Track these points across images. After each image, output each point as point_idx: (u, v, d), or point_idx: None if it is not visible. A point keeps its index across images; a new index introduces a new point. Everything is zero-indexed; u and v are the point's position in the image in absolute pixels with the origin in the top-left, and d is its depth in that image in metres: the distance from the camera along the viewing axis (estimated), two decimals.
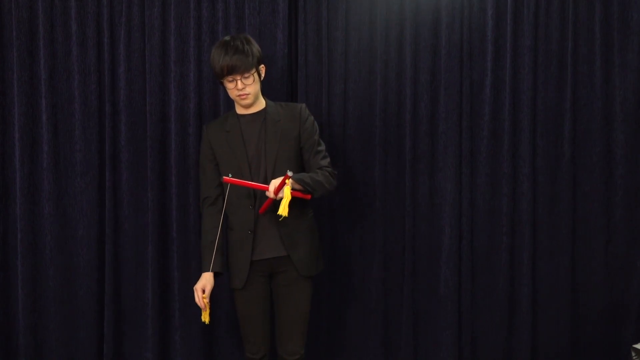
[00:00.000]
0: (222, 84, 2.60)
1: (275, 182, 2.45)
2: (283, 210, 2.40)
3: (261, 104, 2.65)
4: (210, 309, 2.59)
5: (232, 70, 2.50)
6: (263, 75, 2.63)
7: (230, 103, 2.96)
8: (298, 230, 2.62)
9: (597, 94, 3.01)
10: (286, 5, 2.95)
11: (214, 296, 3.05)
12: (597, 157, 3.03)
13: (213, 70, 2.58)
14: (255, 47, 2.56)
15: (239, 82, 2.53)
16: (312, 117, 2.68)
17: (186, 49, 2.97)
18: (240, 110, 2.65)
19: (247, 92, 2.55)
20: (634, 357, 2.62)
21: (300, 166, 2.64)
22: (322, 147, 2.67)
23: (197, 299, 2.57)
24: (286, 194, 2.40)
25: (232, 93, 2.58)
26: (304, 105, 2.69)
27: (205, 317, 2.58)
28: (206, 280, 2.60)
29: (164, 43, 2.98)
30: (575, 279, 3.08)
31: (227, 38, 2.58)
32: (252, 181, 2.55)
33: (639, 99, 3.01)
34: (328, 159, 2.66)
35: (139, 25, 2.97)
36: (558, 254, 3.06)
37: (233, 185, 2.56)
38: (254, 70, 2.54)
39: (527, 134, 3.00)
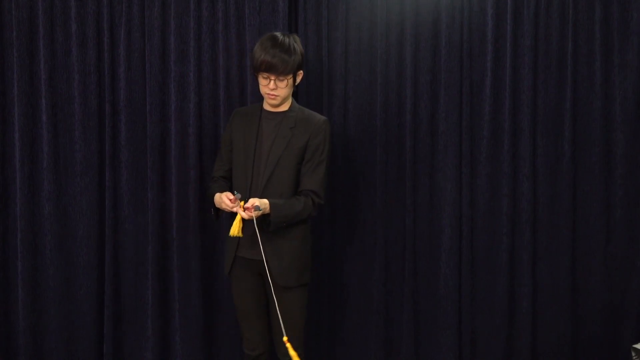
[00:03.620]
0: (255, 76, 2.57)
1: (255, 203, 2.40)
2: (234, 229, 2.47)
3: (287, 105, 2.62)
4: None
5: (270, 69, 2.46)
6: (298, 81, 2.59)
7: (229, 104, 2.97)
8: (284, 237, 2.54)
9: (597, 94, 3.01)
10: (286, 5, 2.95)
11: (214, 295, 3.06)
12: (597, 157, 3.03)
13: (251, 60, 2.54)
14: (299, 53, 2.52)
15: (272, 82, 2.50)
16: (327, 136, 2.59)
17: (186, 49, 2.97)
18: (266, 106, 2.64)
19: (277, 94, 2.52)
20: (634, 357, 2.62)
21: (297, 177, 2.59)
22: (322, 170, 2.57)
23: (226, 203, 2.47)
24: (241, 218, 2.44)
25: (263, 89, 2.55)
26: (325, 119, 2.62)
27: (236, 228, 2.48)
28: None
29: (164, 43, 2.98)
30: (575, 279, 3.08)
31: (278, 33, 2.54)
32: (251, 179, 2.55)
33: (639, 99, 3.01)
34: (322, 186, 2.56)
35: (139, 25, 2.97)
36: (558, 254, 3.06)
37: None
38: (290, 75, 2.50)
39: (527, 134, 2.99)
